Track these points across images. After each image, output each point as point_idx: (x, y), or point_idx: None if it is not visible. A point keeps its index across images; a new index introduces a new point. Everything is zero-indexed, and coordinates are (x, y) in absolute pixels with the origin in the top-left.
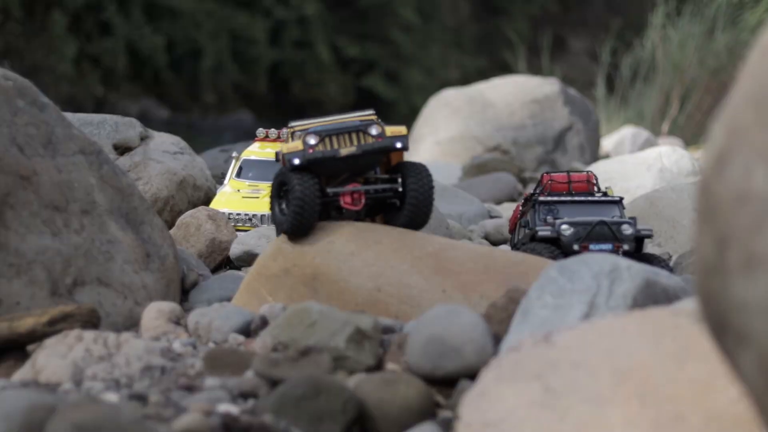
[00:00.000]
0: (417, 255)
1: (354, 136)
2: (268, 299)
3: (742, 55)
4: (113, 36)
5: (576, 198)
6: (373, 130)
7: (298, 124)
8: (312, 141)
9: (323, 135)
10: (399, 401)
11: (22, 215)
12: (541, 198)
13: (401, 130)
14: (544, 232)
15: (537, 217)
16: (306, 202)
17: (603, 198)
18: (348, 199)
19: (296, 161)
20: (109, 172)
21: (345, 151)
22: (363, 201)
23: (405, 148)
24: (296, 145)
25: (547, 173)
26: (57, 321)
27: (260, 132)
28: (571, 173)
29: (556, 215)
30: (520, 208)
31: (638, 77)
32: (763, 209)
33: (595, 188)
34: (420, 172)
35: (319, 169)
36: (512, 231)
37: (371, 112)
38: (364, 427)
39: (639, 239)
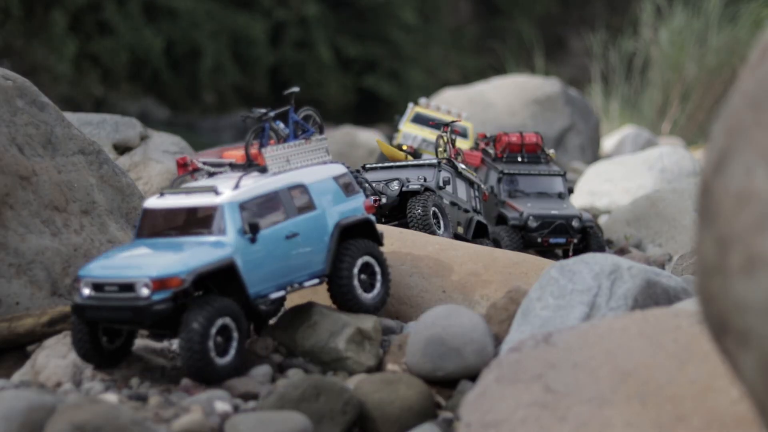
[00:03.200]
0: (417, 255)
1: None
2: None
3: (740, 53)
4: (113, 36)
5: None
6: None
7: None
8: None
9: None
10: (399, 402)
11: (21, 215)
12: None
13: None
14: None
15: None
16: None
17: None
18: None
19: None
20: (109, 172)
21: None
22: None
23: None
24: None
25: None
26: (57, 321)
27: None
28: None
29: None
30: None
31: (636, 76)
32: (763, 210)
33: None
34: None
35: None
36: None
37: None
38: (364, 427)
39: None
